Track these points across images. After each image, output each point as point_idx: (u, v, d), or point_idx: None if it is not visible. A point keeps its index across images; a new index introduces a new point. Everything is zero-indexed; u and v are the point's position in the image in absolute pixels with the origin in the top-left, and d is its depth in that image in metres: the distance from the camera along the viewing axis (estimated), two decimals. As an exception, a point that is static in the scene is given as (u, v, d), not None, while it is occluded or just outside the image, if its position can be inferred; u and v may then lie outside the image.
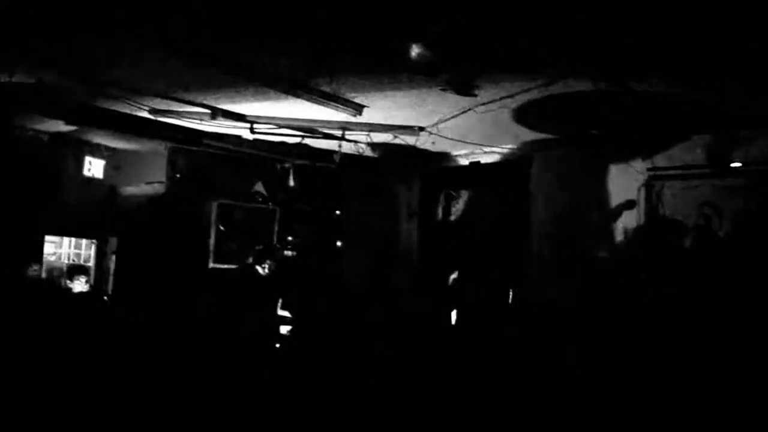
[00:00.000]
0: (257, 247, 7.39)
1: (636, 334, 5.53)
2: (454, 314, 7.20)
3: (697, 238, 6.47)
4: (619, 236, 7.30)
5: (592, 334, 5.85)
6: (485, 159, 8.44)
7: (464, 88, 5.06)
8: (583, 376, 5.52)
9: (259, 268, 7.08)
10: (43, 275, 7.58)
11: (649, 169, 7.15)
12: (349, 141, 7.56)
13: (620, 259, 6.97)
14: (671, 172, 7.00)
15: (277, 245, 8.25)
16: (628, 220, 7.24)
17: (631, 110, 6.06)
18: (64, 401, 5.21)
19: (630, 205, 7.23)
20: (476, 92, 5.43)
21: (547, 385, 5.57)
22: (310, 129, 7.28)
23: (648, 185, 7.17)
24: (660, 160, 7.09)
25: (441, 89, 5.41)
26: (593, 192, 7.52)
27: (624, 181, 7.33)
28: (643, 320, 5.57)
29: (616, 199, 7.38)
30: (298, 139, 7.69)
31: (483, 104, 6.03)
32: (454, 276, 7.42)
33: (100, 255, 8.80)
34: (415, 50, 3.77)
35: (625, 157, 7.33)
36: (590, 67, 4.95)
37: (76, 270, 7.40)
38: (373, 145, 7.88)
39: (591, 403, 5.18)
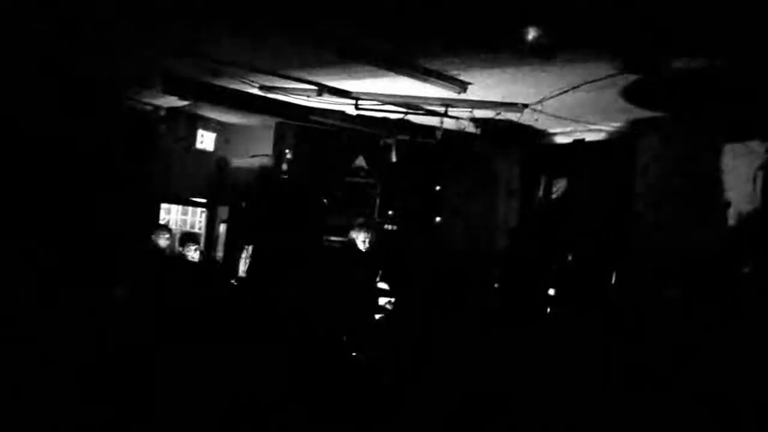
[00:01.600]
0: (358, 221, 7.58)
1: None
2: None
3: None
4: (731, 221, 6.98)
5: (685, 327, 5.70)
6: (590, 137, 8.23)
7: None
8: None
9: (359, 241, 7.27)
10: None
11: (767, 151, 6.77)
12: (451, 117, 7.57)
13: (727, 249, 6.67)
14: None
15: (378, 219, 8.42)
16: (742, 205, 6.89)
17: (747, 89, 5.78)
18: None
19: (726, 205, 6.89)
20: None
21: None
22: (413, 105, 7.34)
23: (766, 167, 6.80)
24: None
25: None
26: (705, 174, 7.19)
27: (740, 162, 6.96)
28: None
29: (730, 181, 7.03)
30: (400, 116, 7.77)
31: (590, 82, 5.90)
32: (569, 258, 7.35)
33: (210, 223, 9.29)
34: (530, 33, 3.75)
35: (741, 136, 6.96)
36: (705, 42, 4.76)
37: (188, 238, 7.88)
38: (475, 121, 7.86)
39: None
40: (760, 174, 6.85)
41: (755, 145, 6.84)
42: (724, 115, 6.73)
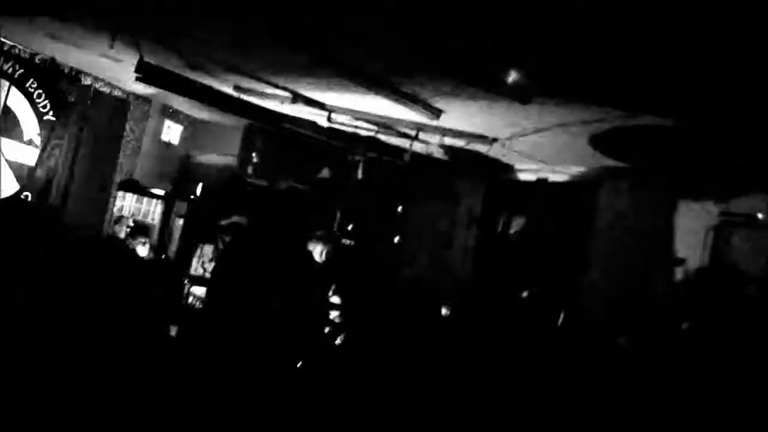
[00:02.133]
0: (318, 233, 7.54)
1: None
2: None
3: (762, 290, 6.32)
4: (679, 276, 7.19)
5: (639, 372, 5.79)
6: (553, 177, 8.39)
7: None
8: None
9: (316, 252, 7.23)
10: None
11: (721, 213, 7.00)
12: (421, 141, 7.63)
13: (678, 298, 6.86)
14: (744, 219, 6.84)
15: (337, 232, 8.41)
16: (690, 262, 7.11)
17: (711, 151, 5.98)
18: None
19: (679, 262, 7.11)
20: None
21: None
22: (385, 125, 7.38)
23: (717, 229, 7.03)
24: (734, 206, 6.93)
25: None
26: (659, 228, 7.40)
27: (692, 221, 7.19)
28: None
29: (681, 238, 7.25)
30: (371, 133, 7.80)
31: (561, 126, 6.03)
32: (524, 293, 7.41)
33: (166, 216, 9.10)
34: (511, 76, 3.82)
35: (698, 196, 7.20)
36: (677, 102, 4.91)
37: (139, 231, 7.63)
38: (444, 148, 7.93)
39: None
40: (711, 234, 7.08)
41: (710, 205, 7.08)
42: (683, 172, 6.95)
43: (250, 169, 8.05)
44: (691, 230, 7.20)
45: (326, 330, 7.11)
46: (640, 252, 7.43)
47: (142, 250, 7.29)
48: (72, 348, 4.14)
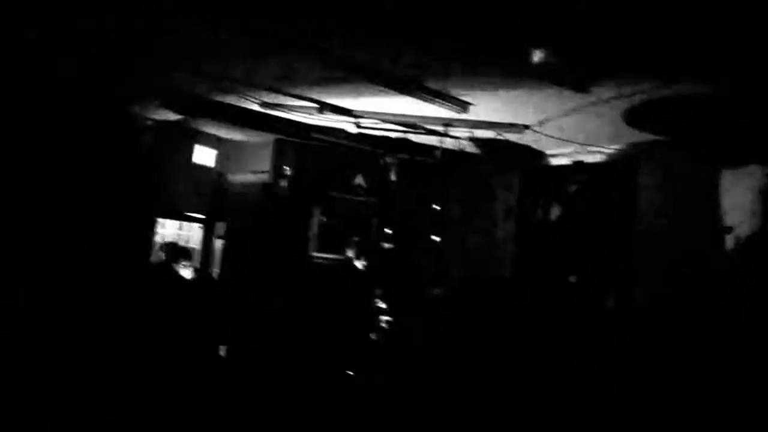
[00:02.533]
0: (355, 239, 7.55)
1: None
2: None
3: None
4: (730, 245, 6.98)
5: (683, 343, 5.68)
6: (589, 159, 8.24)
7: (580, 86, 4.94)
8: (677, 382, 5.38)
9: (357, 259, 7.24)
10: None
11: (767, 175, 6.79)
12: (451, 137, 7.58)
13: (731, 271, 6.66)
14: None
15: (376, 238, 8.39)
16: (741, 229, 6.90)
17: (748, 114, 5.80)
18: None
19: (727, 230, 6.91)
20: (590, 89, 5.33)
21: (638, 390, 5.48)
22: (413, 125, 7.34)
23: (765, 193, 6.81)
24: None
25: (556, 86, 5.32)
26: (704, 198, 7.20)
27: (739, 187, 6.98)
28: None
29: (729, 205, 7.04)
30: (400, 135, 7.77)
31: (593, 104, 5.91)
32: (572, 279, 7.31)
33: (207, 238, 9.22)
34: (538, 56, 3.75)
35: (740, 161, 6.99)
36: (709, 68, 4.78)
37: (180, 253, 7.72)
38: (475, 141, 7.86)
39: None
40: (759, 198, 6.87)
41: (755, 168, 6.87)
42: (723, 139, 6.76)
43: (284, 183, 8.10)
44: (738, 197, 6.99)
45: (374, 335, 7.14)
46: (688, 226, 7.23)
47: (186, 273, 7.40)
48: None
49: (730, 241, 7.01)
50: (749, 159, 6.92)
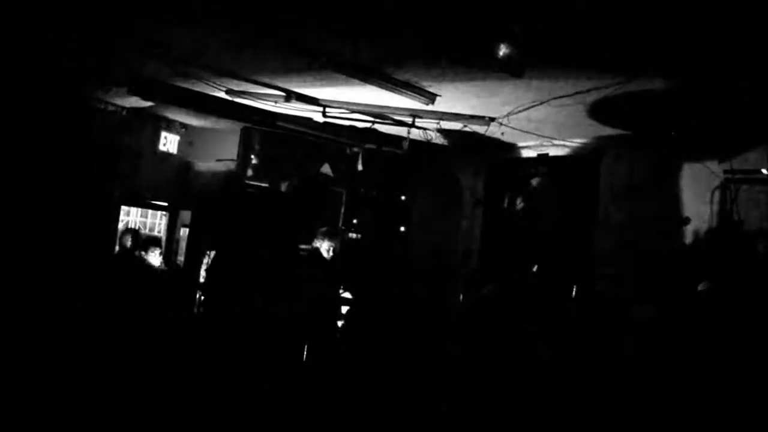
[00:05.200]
0: (322, 229, 7.53)
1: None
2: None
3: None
4: (688, 238, 7.17)
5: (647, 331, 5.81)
6: (554, 152, 8.36)
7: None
8: (638, 368, 5.51)
9: (323, 249, 7.22)
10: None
11: (725, 172, 6.96)
12: (418, 128, 7.60)
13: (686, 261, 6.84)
14: (749, 176, 6.80)
15: (342, 227, 8.39)
16: (698, 223, 7.08)
17: (709, 111, 5.93)
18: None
19: (686, 221, 7.10)
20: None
21: (602, 375, 5.59)
22: (380, 115, 7.35)
23: (723, 188, 7.00)
24: (737, 163, 6.89)
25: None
26: (664, 192, 7.38)
27: (697, 183, 7.17)
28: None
29: (688, 200, 7.23)
30: (368, 125, 7.77)
31: (557, 98, 5.99)
32: (534, 269, 7.40)
33: (171, 226, 9.12)
34: (501, 50, 3.79)
35: (700, 157, 7.16)
36: (669, 64, 4.88)
37: (151, 242, 7.71)
38: (441, 133, 7.90)
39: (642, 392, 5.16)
40: (717, 193, 7.05)
41: (713, 164, 7.04)
42: (683, 135, 6.91)
43: (250, 172, 8.04)
44: (697, 191, 7.18)
45: (338, 324, 7.15)
46: (647, 217, 7.40)
47: (155, 260, 7.37)
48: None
49: (688, 231, 7.21)
50: (708, 155, 7.10)
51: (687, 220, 7.12)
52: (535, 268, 7.33)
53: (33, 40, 5.79)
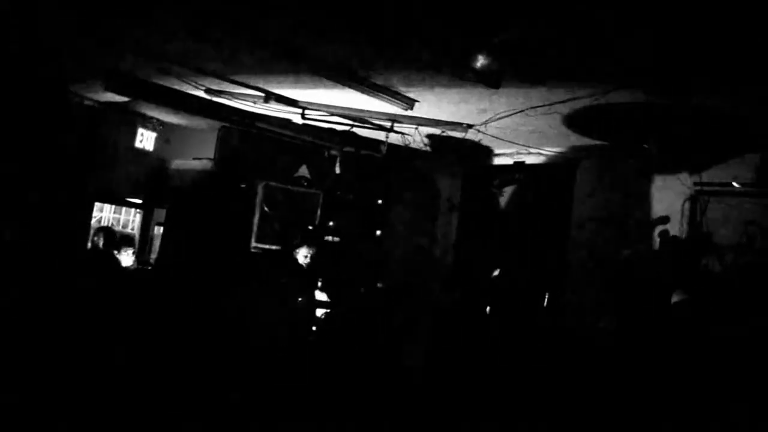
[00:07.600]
0: (300, 235, 7.53)
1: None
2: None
3: (738, 257, 6.45)
4: (656, 247, 7.29)
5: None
6: (530, 160, 8.45)
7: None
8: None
9: (299, 250, 7.22)
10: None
11: (695, 184, 7.11)
12: (397, 132, 7.64)
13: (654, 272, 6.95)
14: (718, 188, 6.95)
15: (319, 229, 8.39)
16: (671, 230, 7.21)
17: (682, 124, 6.04)
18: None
19: (664, 220, 7.22)
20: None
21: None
22: (359, 118, 7.37)
23: (693, 199, 7.14)
24: (707, 176, 7.03)
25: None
26: (636, 201, 7.50)
27: (668, 193, 7.30)
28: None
29: (658, 210, 7.36)
30: (347, 128, 7.79)
31: (535, 107, 6.07)
32: (495, 273, 7.48)
33: (146, 224, 9.03)
34: (478, 61, 3.83)
35: (672, 169, 7.29)
36: (646, 78, 4.97)
37: (124, 240, 7.55)
38: (420, 138, 7.94)
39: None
40: (687, 204, 7.19)
41: (685, 176, 7.18)
42: (656, 147, 7.02)
43: (227, 171, 8.00)
44: (668, 202, 7.31)
45: (311, 327, 7.16)
46: (620, 227, 7.52)
47: (127, 260, 7.23)
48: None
49: (656, 240, 7.34)
50: (680, 167, 7.24)
51: (666, 219, 7.23)
52: (496, 272, 7.39)
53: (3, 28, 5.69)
